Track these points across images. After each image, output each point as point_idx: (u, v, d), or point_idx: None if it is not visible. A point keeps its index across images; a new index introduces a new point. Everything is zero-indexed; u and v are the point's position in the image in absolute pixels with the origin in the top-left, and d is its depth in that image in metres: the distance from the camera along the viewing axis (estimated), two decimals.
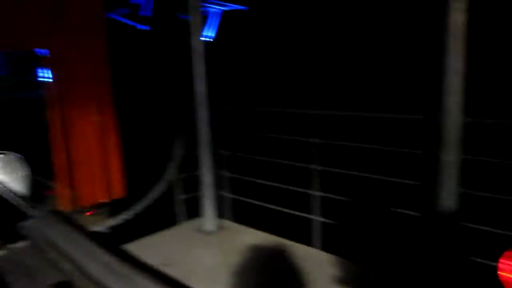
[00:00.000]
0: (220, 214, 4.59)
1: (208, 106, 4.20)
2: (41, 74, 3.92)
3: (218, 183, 4.56)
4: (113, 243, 3.52)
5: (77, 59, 3.79)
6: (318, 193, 3.90)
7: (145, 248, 3.99)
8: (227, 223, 4.65)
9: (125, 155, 4.22)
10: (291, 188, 4.10)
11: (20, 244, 3.75)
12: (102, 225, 4.17)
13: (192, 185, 4.68)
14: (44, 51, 3.72)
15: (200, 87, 4.13)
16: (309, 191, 3.93)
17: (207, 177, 4.33)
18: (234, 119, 4.74)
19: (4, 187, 4.39)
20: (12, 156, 4.83)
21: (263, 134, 4.38)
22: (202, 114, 4.19)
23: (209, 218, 4.42)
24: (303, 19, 13.68)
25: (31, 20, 3.53)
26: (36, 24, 3.55)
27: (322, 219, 3.93)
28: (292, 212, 4.12)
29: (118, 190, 4.14)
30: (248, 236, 4.29)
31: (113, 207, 4.27)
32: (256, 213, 4.64)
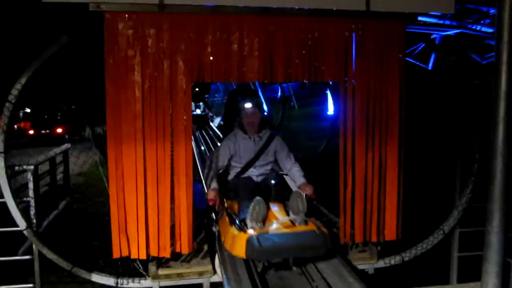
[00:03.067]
0: (504, 285, 3.85)
1: (505, 155, 3.58)
2: (330, 107, 4.19)
3: (506, 247, 3.84)
4: (378, 286, 3.32)
5: (373, 91, 3.84)
6: None
7: None
8: None
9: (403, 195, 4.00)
10: None
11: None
12: (369, 265, 4.03)
13: (472, 242, 4.12)
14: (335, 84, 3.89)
15: (499, 132, 3.56)
16: None
17: (493, 238, 3.67)
18: None
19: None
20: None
21: None
22: (497, 164, 3.59)
23: (489, 287, 3.73)
24: None
25: (327, 53, 3.74)
26: (336, 57, 3.74)
27: None
28: None
29: (391, 231, 3.92)
30: None
31: (383, 248, 4.08)
32: None
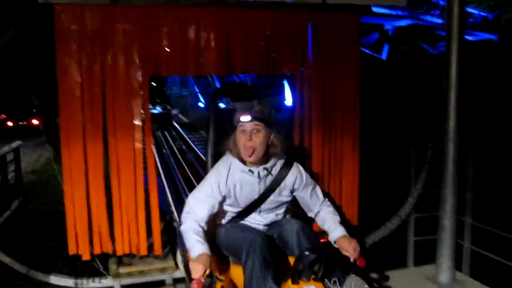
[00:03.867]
0: (457, 265, 4.03)
1: (457, 142, 3.74)
2: (288, 97, 4.19)
3: (458, 230, 4.03)
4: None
5: (328, 82, 3.87)
6: None
7: None
8: (464, 277, 4.05)
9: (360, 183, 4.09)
10: None
11: None
12: None
13: (426, 226, 4.31)
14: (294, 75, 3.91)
15: (450, 121, 3.72)
16: None
17: (447, 221, 3.85)
18: (486, 159, 4.19)
19: None
20: None
21: None
22: (449, 151, 3.75)
23: (444, 268, 3.91)
24: None
25: (284, 45, 3.74)
26: (292, 49, 3.75)
27: None
28: None
29: (350, 219, 4.00)
30: None
31: None
32: (500, 272, 3.93)
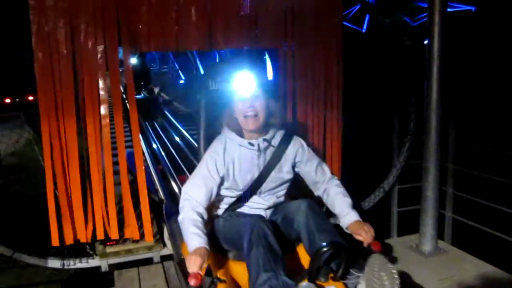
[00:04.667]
0: (439, 235, 4.12)
1: (440, 114, 3.77)
2: (270, 72, 4.16)
3: (440, 200, 4.10)
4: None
5: (312, 57, 3.85)
6: None
7: None
8: (446, 246, 4.14)
9: (344, 156, 4.12)
10: None
11: None
12: None
13: (408, 197, 4.36)
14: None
15: (433, 92, 3.73)
16: None
17: (429, 192, 3.90)
18: (466, 130, 4.25)
19: None
20: None
21: (501, 151, 3.80)
22: (432, 123, 3.78)
23: (427, 237, 3.98)
24: None
25: (266, 19, 3.70)
26: (275, 24, 3.70)
27: None
28: None
29: None
30: (472, 266, 3.72)
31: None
32: (479, 239, 4.05)
